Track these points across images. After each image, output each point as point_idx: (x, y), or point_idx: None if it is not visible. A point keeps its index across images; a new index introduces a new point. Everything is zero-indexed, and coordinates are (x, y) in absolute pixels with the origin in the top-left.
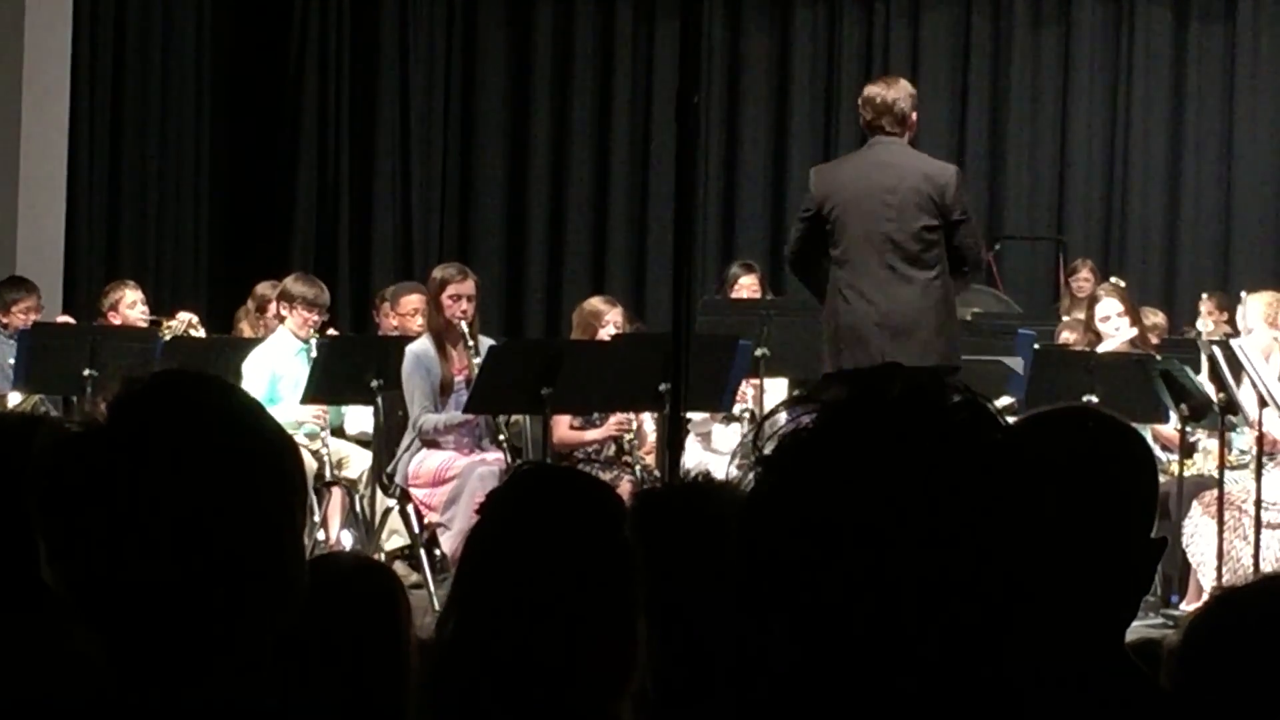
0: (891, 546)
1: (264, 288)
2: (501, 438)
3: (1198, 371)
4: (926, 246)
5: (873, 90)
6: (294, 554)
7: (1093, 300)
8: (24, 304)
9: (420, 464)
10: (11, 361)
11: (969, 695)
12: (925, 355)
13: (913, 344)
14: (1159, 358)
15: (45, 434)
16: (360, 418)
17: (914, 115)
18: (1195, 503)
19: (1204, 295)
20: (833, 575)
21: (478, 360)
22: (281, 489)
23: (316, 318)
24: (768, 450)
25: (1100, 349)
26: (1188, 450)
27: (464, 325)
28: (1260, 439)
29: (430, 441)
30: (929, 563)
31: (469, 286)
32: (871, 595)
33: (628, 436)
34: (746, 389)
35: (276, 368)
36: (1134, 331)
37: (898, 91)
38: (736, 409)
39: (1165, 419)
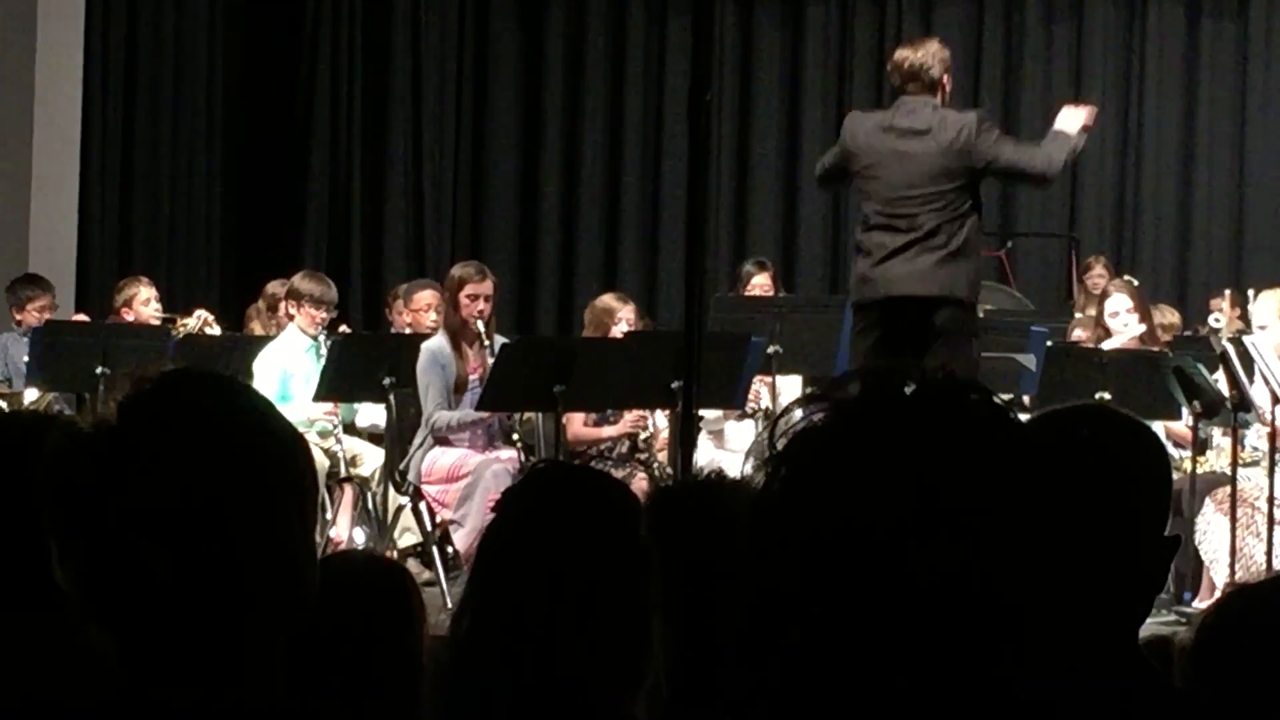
0: (902, 545)
1: (275, 286)
2: (514, 436)
3: (1213, 369)
4: (948, 210)
5: (901, 54)
6: (305, 553)
7: (1103, 295)
8: (39, 302)
9: (433, 461)
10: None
11: (981, 695)
12: (947, 319)
13: (935, 309)
14: (1171, 354)
15: (56, 434)
16: (372, 412)
17: (945, 78)
18: (1208, 500)
19: (1227, 291)
20: (843, 573)
21: (492, 360)
22: (292, 487)
23: (324, 315)
24: (778, 448)
25: (1108, 345)
26: (1200, 447)
27: (480, 325)
28: (1273, 436)
29: (443, 439)
30: (940, 561)
31: (487, 286)
32: (882, 594)
33: (643, 434)
34: (759, 386)
35: (287, 366)
36: (1142, 328)
37: (925, 54)
38: (749, 406)
39: (1178, 416)
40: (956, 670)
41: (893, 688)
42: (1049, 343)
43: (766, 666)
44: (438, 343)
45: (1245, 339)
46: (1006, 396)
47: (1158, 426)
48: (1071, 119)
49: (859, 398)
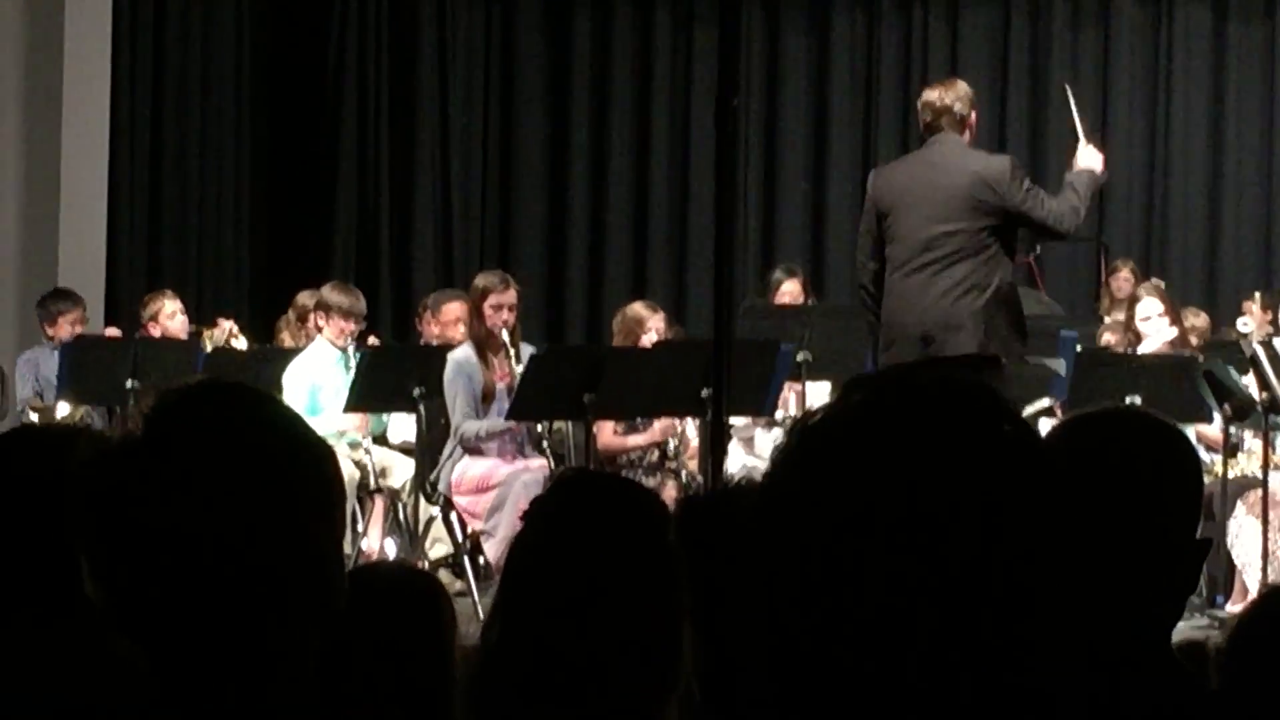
0: (895, 544)
1: (305, 297)
2: (544, 444)
3: (1244, 372)
4: (973, 248)
5: (930, 94)
6: (334, 563)
7: (1133, 300)
8: (70, 316)
9: (463, 472)
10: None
11: (999, 695)
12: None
13: (955, 345)
14: (1201, 358)
15: (84, 446)
16: (403, 426)
17: (972, 116)
18: (1239, 503)
19: (1257, 294)
20: (842, 570)
21: (519, 368)
22: (320, 498)
23: (353, 326)
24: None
25: (1140, 349)
26: (1231, 450)
27: (505, 334)
28: None
29: (473, 449)
30: (945, 560)
31: (510, 296)
32: (894, 594)
33: (672, 442)
34: (789, 394)
35: (316, 378)
36: (1174, 332)
37: (954, 94)
38: (779, 414)
39: (1209, 419)
40: (971, 670)
41: (910, 689)
42: (1078, 347)
43: (781, 665)
44: (464, 353)
45: (1276, 341)
46: (1045, 403)
47: (1189, 430)
48: (1092, 157)
49: (863, 398)
